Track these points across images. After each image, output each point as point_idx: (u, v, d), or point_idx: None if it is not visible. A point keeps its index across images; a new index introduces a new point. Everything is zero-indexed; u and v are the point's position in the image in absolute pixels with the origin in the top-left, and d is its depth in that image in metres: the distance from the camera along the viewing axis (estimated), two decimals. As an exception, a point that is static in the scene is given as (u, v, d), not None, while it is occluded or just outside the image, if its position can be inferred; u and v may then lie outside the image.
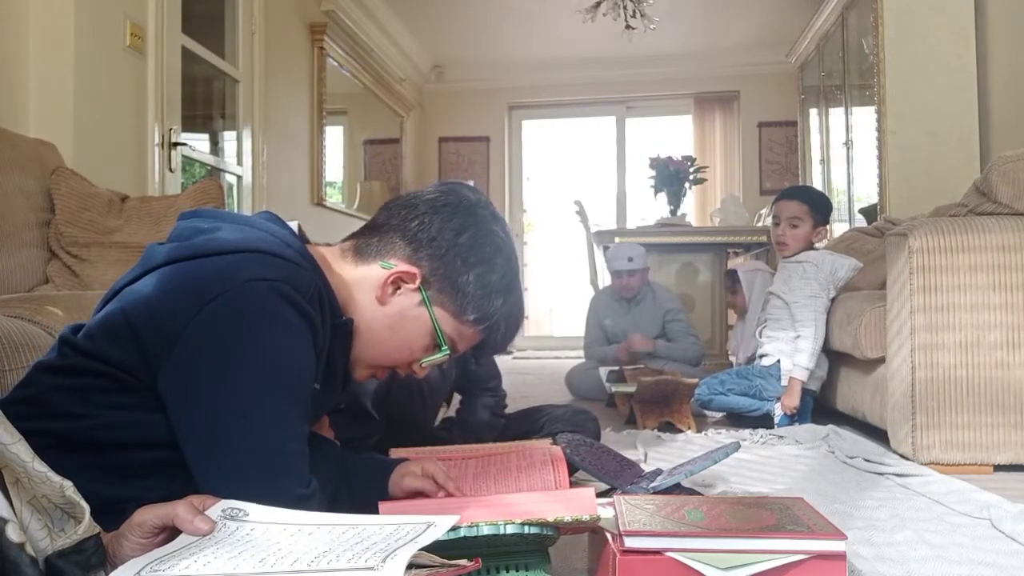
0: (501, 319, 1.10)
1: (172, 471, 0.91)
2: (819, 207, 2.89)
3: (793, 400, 2.71)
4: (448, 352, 1.10)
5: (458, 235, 1.08)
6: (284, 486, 0.88)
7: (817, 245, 2.95)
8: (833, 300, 2.74)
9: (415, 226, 1.08)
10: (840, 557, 0.94)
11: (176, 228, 1.04)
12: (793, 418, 2.71)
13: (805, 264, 2.78)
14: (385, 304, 1.07)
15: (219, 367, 0.88)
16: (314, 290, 0.97)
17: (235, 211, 4.01)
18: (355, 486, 1.16)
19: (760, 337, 2.97)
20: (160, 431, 0.91)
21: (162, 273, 0.94)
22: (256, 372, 0.89)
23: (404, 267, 1.07)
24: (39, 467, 0.65)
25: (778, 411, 2.73)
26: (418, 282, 1.07)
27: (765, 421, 2.73)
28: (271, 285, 0.91)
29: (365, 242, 1.10)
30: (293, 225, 1.08)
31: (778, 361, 2.82)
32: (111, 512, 0.80)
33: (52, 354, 0.98)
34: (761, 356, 2.94)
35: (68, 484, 0.67)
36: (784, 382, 2.77)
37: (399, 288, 1.07)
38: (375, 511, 1.03)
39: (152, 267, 0.96)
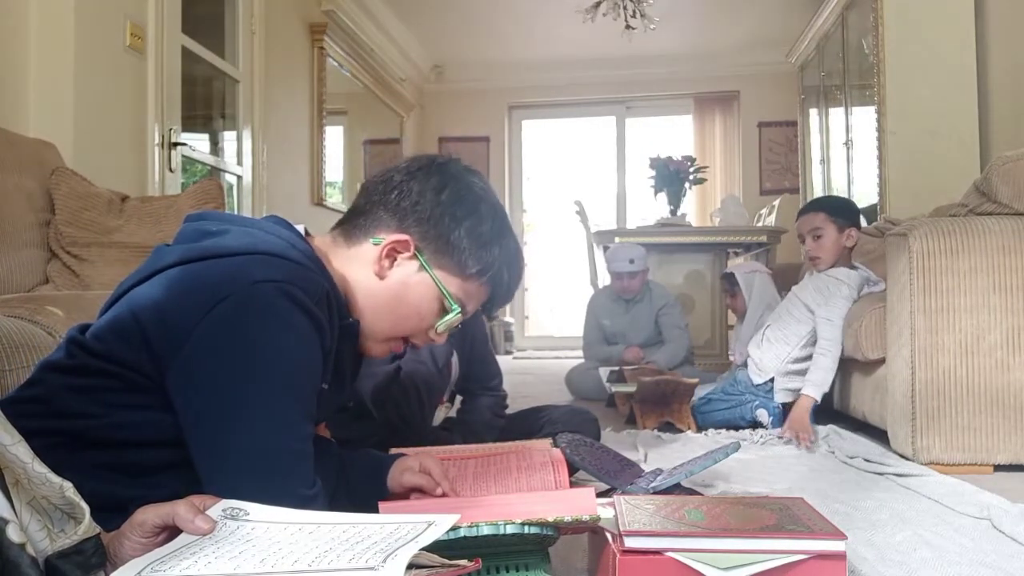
0: (502, 266, 1.11)
1: (181, 470, 0.92)
2: (837, 211, 2.77)
3: (804, 424, 2.42)
4: (459, 312, 1.10)
5: (439, 193, 1.08)
6: (289, 486, 0.89)
7: (846, 244, 2.76)
8: None
9: (395, 196, 1.08)
10: (840, 557, 0.94)
11: (183, 230, 1.05)
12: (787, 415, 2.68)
13: (843, 286, 2.64)
14: (384, 278, 1.08)
15: (226, 367, 0.89)
16: (321, 292, 0.97)
17: (235, 211, 4.02)
18: (353, 483, 1.16)
19: (762, 341, 2.83)
20: (171, 430, 0.91)
21: (171, 274, 0.94)
22: (262, 372, 0.90)
23: (395, 237, 1.07)
24: (39, 468, 0.65)
25: (761, 417, 2.67)
26: (412, 249, 1.07)
27: (765, 421, 2.71)
28: (279, 287, 0.91)
29: (352, 225, 1.11)
30: (300, 228, 1.08)
31: (771, 380, 2.72)
32: (119, 510, 0.80)
33: (59, 353, 0.98)
34: (747, 360, 2.84)
35: (68, 485, 0.67)
36: (779, 399, 2.68)
37: (395, 259, 1.08)
38: (374, 508, 1.03)
39: (161, 268, 0.96)
